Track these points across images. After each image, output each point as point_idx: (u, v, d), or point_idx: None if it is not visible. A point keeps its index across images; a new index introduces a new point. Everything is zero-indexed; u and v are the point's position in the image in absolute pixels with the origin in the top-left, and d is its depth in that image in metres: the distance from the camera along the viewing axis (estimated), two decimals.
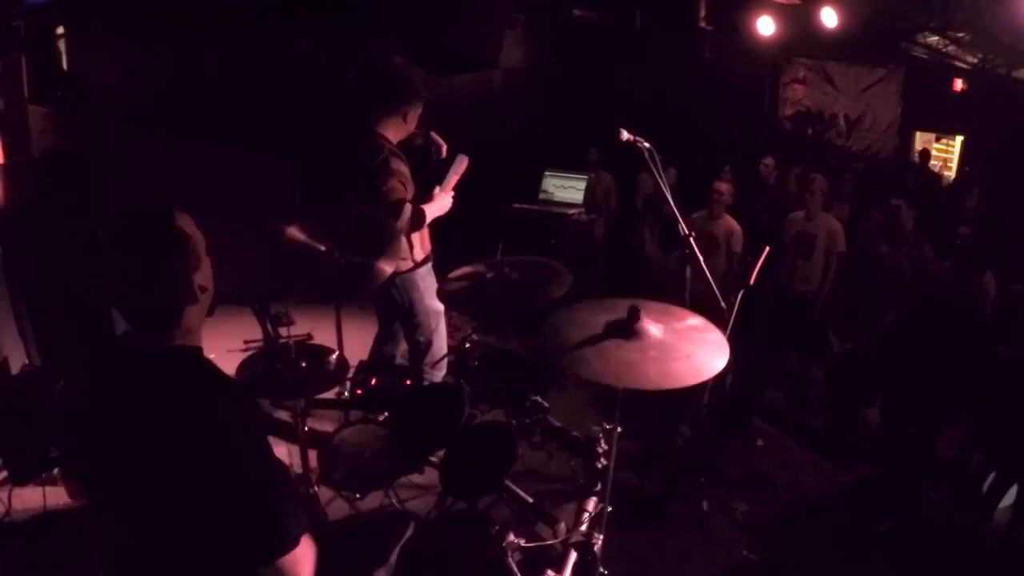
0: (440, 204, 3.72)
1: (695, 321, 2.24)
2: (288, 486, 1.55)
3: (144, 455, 1.48)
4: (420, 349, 3.91)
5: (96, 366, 1.66)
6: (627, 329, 2.06)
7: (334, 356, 3.06)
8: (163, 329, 1.54)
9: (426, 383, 3.75)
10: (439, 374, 3.93)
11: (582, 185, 7.14)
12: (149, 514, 1.50)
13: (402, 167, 3.57)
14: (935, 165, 9.85)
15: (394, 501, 3.05)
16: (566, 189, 7.18)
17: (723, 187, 5.45)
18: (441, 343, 3.95)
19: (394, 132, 3.66)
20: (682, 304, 2.64)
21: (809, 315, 5.22)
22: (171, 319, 1.54)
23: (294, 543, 1.46)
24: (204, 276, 1.58)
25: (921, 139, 10.27)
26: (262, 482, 1.46)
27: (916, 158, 9.64)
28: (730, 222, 5.45)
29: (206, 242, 1.61)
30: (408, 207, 3.52)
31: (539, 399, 2.76)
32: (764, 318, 4.90)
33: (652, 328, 2.07)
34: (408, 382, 3.42)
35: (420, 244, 3.79)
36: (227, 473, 1.43)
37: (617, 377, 1.97)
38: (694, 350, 2.04)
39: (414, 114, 3.71)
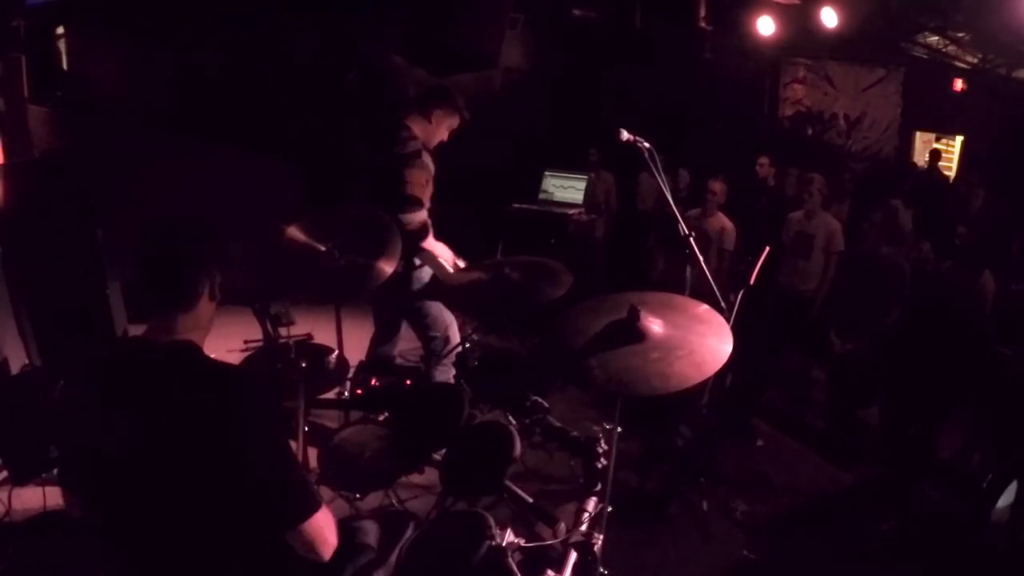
0: (444, 249, 3.78)
1: (697, 309, 2.23)
2: (297, 465, 1.69)
3: (153, 447, 1.50)
4: (437, 346, 3.94)
5: (96, 365, 1.67)
6: (628, 330, 2.05)
7: (334, 356, 3.06)
8: (175, 304, 1.62)
9: (441, 379, 3.78)
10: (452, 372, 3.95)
11: (582, 185, 7.15)
12: (164, 504, 1.52)
13: (430, 163, 3.65)
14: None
15: (394, 501, 3.05)
16: (566, 189, 7.19)
17: (717, 187, 5.48)
18: (455, 335, 3.98)
19: (420, 129, 3.71)
20: None
21: (808, 315, 5.23)
22: (187, 302, 1.63)
23: (316, 506, 1.57)
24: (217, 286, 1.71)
25: (921, 139, 10.27)
26: (276, 456, 1.56)
27: (926, 159, 9.63)
28: (722, 219, 5.47)
29: None
30: (423, 211, 3.59)
31: (539, 399, 2.76)
32: (764, 318, 4.90)
33: (654, 326, 2.07)
34: (408, 382, 3.42)
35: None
36: (241, 452, 1.50)
37: (620, 384, 1.96)
38: (696, 344, 2.03)
39: (440, 118, 3.76)
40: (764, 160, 7.27)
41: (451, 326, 3.96)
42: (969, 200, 6.92)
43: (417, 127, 3.69)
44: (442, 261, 3.75)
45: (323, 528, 1.61)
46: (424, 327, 3.91)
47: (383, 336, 4.14)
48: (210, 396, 1.53)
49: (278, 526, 1.57)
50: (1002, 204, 6.74)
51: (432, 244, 3.77)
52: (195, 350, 1.62)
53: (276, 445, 1.58)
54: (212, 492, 1.50)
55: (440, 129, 3.79)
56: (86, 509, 1.66)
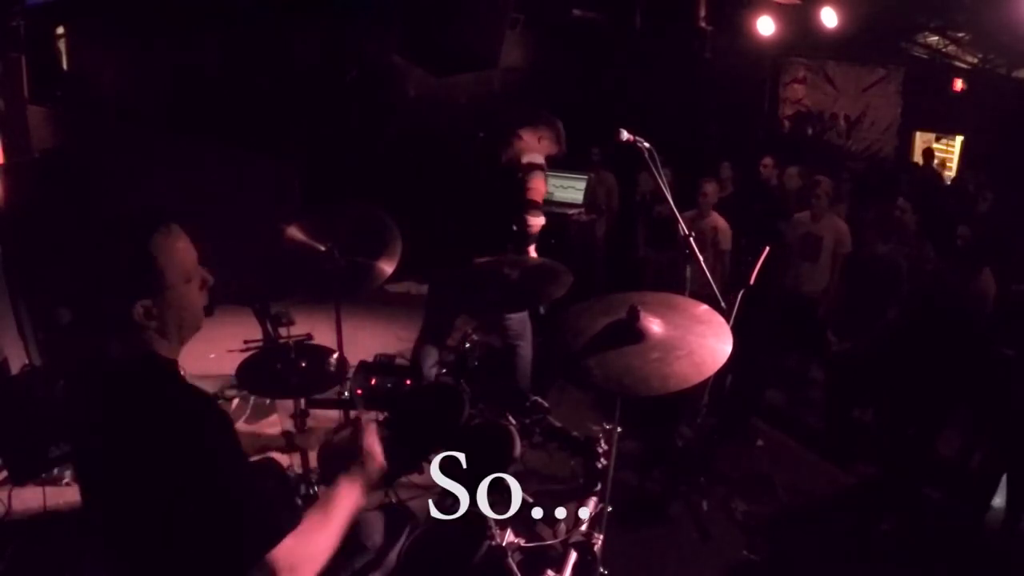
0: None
1: (697, 309, 2.23)
2: (260, 491, 1.49)
3: (114, 459, 1.46)
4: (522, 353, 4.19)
5: (92, 367, 1.67)
6: (628, 330, 2.05)
7: (334, 356, 3.06)
8: (108, 334, 1.54)
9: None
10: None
11: (582, 185, 7.15)
12: (124, 519, 1.47)
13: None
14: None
15: (394, 501, 3.05)
16: (566, 189, 7.18)
17: (709, 188, 5.49)
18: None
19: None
20: None
21: (813, 316, 5.21)
22: (114, 330, 1.54)
23: (271, 543, 1.41)
24: (163, 303, 1.55)
25: (921, 139, 10.26)
26: (223, 487, 1.41)
27: (921, 158, 9.64)
28: (716, 219, 5.46)
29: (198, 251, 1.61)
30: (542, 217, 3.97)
31: (539, 399, 2.76)
32: (768, 319, 4.90)
33: (654, 326, 2.07)
34: (408, 382, 3.42)
35: None
36: (186, 481, 1.38)
37: (620, 384, 1.96)
38: (696, 345, 2.03)
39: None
40: (768, 161, 7.25)
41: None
42: (976, 202, 6.89)
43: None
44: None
45: (292, 559, 1.43)
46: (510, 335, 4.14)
47: (431, 336, 4.25)
48: (158, 420, 1.43)
49: (236, 563, 1.40)
50: (1004, 204, 6.73)
51: (533, 252, 3.98)
52: (153, 369, 1.54)
53: (215, 480, 1.41)
54: (165, 518, 1.39)
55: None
56: (85, 508, 1.66)
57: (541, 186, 3.92)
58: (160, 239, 1.54)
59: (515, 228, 3.88)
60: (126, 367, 1.53)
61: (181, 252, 1.58)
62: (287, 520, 1.48)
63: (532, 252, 3.98)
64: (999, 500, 3.78)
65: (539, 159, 3.99)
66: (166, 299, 1.55)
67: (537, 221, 3.91)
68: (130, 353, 1.54)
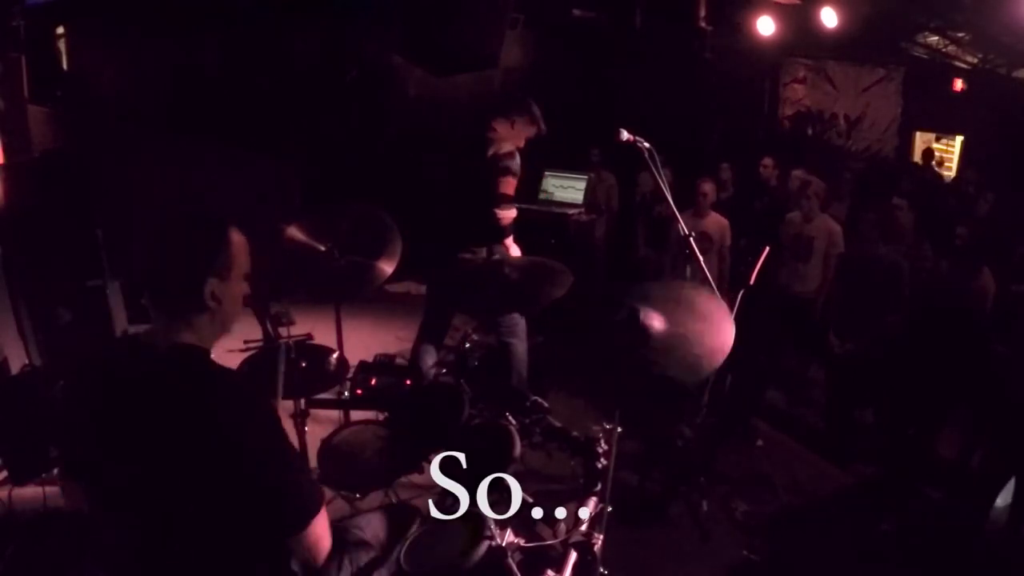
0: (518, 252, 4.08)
1: (700, 303, 2.23)
2: (302, 467, 1.68)
3: (150, 450, 1.50)
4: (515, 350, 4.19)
5: (96, 365, 1.67)
6: (629, 330, 2.05)
7: (334, 356, 3.07)
8: (171, 313, 1.61)
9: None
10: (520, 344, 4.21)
11: (582, 185, 7.15)
12: (161, 507, 1.51)
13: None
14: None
15: (394, 501, 3.05)
16: (566, 189, 7.19)
17: (707, 187, 5.50)
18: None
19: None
20: None
21: (809, 316, 5.22)
22: (180, 308, 1.61)
23: (317, 510, 1.57)
24: (225, 289, 1.63)
25: (921, 139, 10.27)
26: (274, 464, 1.54)
27: (921, 158, 9.65)
28: (719, 218, 5.47)
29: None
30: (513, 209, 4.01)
31: (539, 399, 2.76)
32: (765, 319, 4.90)
33: (655, 323, 2.06)
34: (408, 382, 3.42)
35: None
36: (238, 461, 1.49)
37: (623, 382, 1.96)
38: (696, 340, 2.03)
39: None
40: (768, 161, 7.25)
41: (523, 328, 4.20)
42: (976, 202, 6.88)
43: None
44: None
45: (320, 535, 1.60)
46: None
47: (429, 335, 4.24)
48: (205, 402, 1.50)
49: (281, 532, 1.57)
50: (1004, 204, 6.73)
51: (511, 245, 4.00)
52: (195, 354, 1.60)
53: (275, 451, 1.54)
54: (208, 499, 1.49)
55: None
56: (91, 505, 1.66)
57: (511, 179, 3.92)
58: (233, 231, 1.66)
59: (490, 222, 3.90)
60: (175, 355, 1.58)
61: (243, 250, 1.69)
62: (321, 495, 1.63)
63: (510, 244, 4.00)
64: (1001, 500, 3.77)
65: (510, 148, 3.97)
66: (228, 287, 1.64)
67: (507, 214, 3.93)
68: (178, 342, 1.59)
